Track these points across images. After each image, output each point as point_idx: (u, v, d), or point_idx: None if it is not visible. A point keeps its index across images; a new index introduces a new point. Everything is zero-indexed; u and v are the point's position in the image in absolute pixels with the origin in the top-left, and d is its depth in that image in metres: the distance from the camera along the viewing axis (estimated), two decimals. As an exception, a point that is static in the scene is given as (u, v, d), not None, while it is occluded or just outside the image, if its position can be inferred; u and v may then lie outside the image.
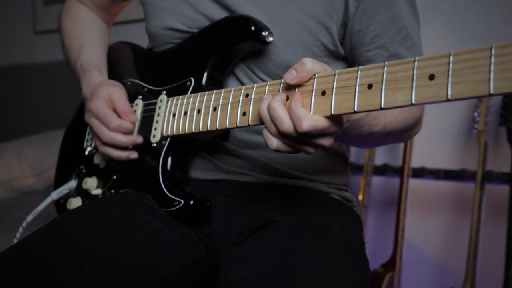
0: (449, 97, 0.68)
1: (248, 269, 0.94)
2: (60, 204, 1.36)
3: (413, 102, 0.72)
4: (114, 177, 1.24)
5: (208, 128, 1.03)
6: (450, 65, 0.68)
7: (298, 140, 0.85)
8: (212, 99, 1.03)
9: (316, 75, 0.85)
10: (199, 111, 1.06)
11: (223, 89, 1.02)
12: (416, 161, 2.26)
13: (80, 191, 1.31)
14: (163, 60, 1.25)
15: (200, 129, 1.04)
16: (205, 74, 1.14)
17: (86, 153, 1.35)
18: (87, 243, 0.97)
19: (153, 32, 1.23)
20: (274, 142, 0.86)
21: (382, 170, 2.32)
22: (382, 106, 0.76)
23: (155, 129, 1.17)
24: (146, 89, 1.25)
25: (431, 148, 2.32)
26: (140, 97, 1.25)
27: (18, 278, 0.90)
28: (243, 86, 0.97)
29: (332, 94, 0.82)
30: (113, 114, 1.17)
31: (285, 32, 1.10)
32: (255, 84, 0.95)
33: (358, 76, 0.79)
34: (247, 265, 0.95)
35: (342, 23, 1.12)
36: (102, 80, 1.26)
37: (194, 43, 1.18)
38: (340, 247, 1.00)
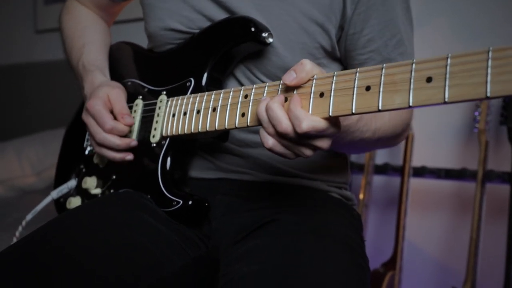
0: (446, 100, 0.68)
1: (247, 267, 0.94)
2: (60, 203, 1.36)
3: (411, 104, 0.72)
4: (114, 176, 1.24)
5: (208, 129, 1.03)
6: (448, 67, 0.68)
7: (296, 141, 0.85)
8: (212, 99, 1.03)
9: (315, 76, 0.85)
10: (198, 112, 1.06)
11: (223, 90, 1.02)
12: (417, 160, 2.26)
13: (79, 190, 1.32)
14: (163, 60, 1.25)
15: (200, 130, 1.04)
16: (205, 75, 1.14)
17: (86, 152, 1.35)
18: (87, 242, 0.97)
19: (152, 32, 1.23)
20: (270, 140, 0.87)
21: (383, 169, 2.32)
22: (380, 108, 0.76)
23: (155, 129, 1.17)
24: (146, 89, 1.25)
25: (432, 147, 2.32)
26: (140, 97, 1.25)
27: (18, 277, 0.90)
28: (242, 87, 0.97)
29: (330, 96, 0.82)
30: (109, 115, 1.17)
31: (284, 34, 1.11)
32: (254, 85, 0.95)
33: (356, 78, 0.80)
34: (247, 263, 0.95)
35: (340, 26, 1.12)
36: (103, 81, 1.27)
37: (194, 44, 1.18)
38: (340, 246, 1.00)
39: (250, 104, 0.94)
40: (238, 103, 0.97)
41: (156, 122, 1.17)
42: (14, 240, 1.33)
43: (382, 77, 0.76)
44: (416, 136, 2.25)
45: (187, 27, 1.18)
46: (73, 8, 1.46)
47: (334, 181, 1.25)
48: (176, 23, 1.18)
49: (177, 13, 1.18)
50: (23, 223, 1.32)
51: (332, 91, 0.82)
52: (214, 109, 1.02)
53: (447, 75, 0.68)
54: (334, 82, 0.82)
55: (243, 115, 0.95)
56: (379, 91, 0.76)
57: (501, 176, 2.04)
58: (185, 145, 1.17)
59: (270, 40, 1.07)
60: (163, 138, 1.15)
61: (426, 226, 2.34)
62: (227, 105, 0.99)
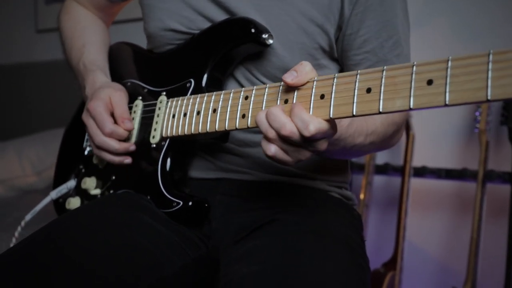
0: (447, 103, 0.68)
1: (247, 268, 0.94)
2: (59, 203, 1.36)
3: (411, 107, 0.72)
4: (113, 177, 1.24)
5: (208, 130, 1.03)
6: (448, 70, 0.68)
7: (299, 144, 0.85)
8: (212, 100, 1.03)
9: (315, 78, 0.86)
10: (198, 113, 1.06)
11: (223, 91, 1.02)
12: (418, 160, 2.26)
13: (79, 190, 1.31)
14: (163, 61, 1.25)
15: (200, 131, 1.04)
16: (205, 76, 1.13)
17: (86, 153, 1.35)
18: (87, 243, 0.97)
19: (152, 33, 1.23)
20: (272, 147, 0.86)
21: (383, 169, 2.32)
22: (381, 110, 0.76)
23: (155, 129, 1.17)
24: (146, 90, 1.25)
25: (433, 147, 2.32)
26: (140, 97, 1.25)
27: (18, 278, 0.90)
28: (243, 89, 0.97)
29: (331, 98, 0.82)
30: (109, 119, 1.17)
31: (283, 34, 1.10)
32: (255, 87, 0.95)
33: (357, 80, 0.79)
34: (247, 264, 0.95)
35: (338, 26, 1.12)
36: (105, 82, 1.27)
37: (194, 45, 1.17)
38: (340, 246, 1.00)
39: (251, 105, 0.94)
40: (238, 104, 0.97)
41: (156, 122, 1.17)
42: (14, 240, 1.33)
43: (383, 79, 0.76)
44: (416, 136, 2.25)
45: (187, 28, 1.18)
46: (72, 8, 1.46)
47: (334, 180, 1.25)
48: (176, 23, 1.18)
49: (177, 13, 1.17)
50: (22, 223, 1.31)
51: (333, 93, 0.82)
52: (214, 110, 1.02)
53: (448, 78, 0.68)
54: (334, 84, 0.82)
55: (243, 116, 0.95)
56: (380, 94, 0.76)
57: (502, 176, 2.04)
58: (185, 146, 1.17)
59: (270, 41, 1.07)
60: (163, 138, 1.15)
61: (426, 226, 2.34)
62: (228, 106, 0.99)
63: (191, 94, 1.13)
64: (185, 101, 1.11)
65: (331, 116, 0.82)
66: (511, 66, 0.62)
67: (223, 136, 1.12)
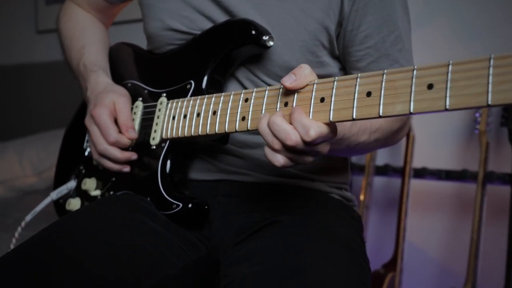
0: (447, 107, 0.68)
1: (248, 269, 0.94)
2: (59, 204, 1.36)
3: (412, 111, 0.72)
4: (113, 178, 1.24)
5: (208, 132, 1.02)
6: (449, 75, 0.68)
7: (302, 151, 0.85)
8: (212, 103, 1.03)
9: (315, 81, 0.85)
10: (198, 115, 1.06)
11: (223, 93, 1.02)
12: (418, 162, 2.26)
13: (79, 191, 1.31)
14: (163, 62, 1.25)
15: (200, 133, 1.04)
16: (205, 78, 1.13)
17: (86, 153, 1.35)
18: (87, 244, 0.97)
19: (152, 33, 1.23)
20: (281, 159, 0.85)
21: (383, 171, 2.32)
22: (381, 114, 0.76)
23: (155, 131, 1.16)
24: (146, 91, 1.25)
25: (433, 148, 2.32)
26: (140, 99, 1.25)
27: (19, 280, 0.90)
28: (243, 91, 0.97)
29: (331, 101, 0.82)
30: (114, 127, 1.18)
31: (284, 32, 1.10)
32: (255, 89, 0.95)
33: (357, 84, 0.79)
34: (248, 265, 0.95)
35: (338, 22, 1.12)
36: (109, 84, 1.26)
37: (194, 46, 1.17)
38: (340, 247, 1.00)
39: (251, 108, 0.94)
40: (238, 107, 0.97)
41: (156, 124, 1.17)
42: (14, 240, 1.33)
43: (383, 83, 0.76)
44: (416, 137, 2.25)
45: (187, 27, 1.18)
46: (71, 10, 1.46)
47: (334, 181, 1.25)
48: (176, 23, 1.18)
49: (177, 13, 1.17)
50: (22, 224, 1.32)
51: (333, 97, 0.82)
52: (214, 113, 1.01)
53: (448, 83, 0.68)
54: (334, 87, 0.82)
55: (243, 119, 0.95)
56: (380, 97, 0.76)
57: (502, 178, 2.04)
58: (185, 148, 1.17)
59: (271, 43, 1.07)
60: (163, 140, 1.15)
61: (426, 227, 2.33)
62: (228, 108, 0.99)
63: (191, 95, 1.13)
64: (185, 102, 1.11)
65: (331, 119, 0.82)
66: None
67: (223, 138, 1.12)
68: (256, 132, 1.13)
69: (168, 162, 1.14)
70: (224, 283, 0.97)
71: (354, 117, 0.79)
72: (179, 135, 1.10)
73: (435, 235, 2.33)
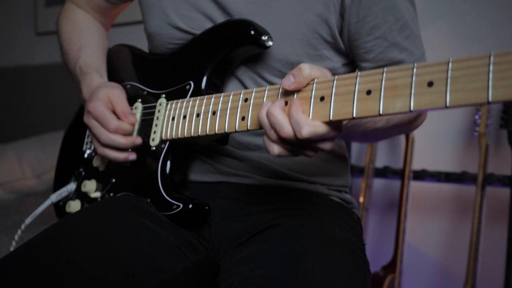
0: (448, 105, 0.68)
1: (249, 272, 0.94)
2: (59, 206, 1.36)
3: (412, 109, 0.72)
4: (113, 180, 1.24)
5: (207, 132, 1.02)
6: (449, 72, 0.68)
7: (298, 145, 0.85)
8: (211, 103, 1.03)
9: (315, 80, 0.85)
10: (198, 115, 1.05)
11: (222, 93, 1.02)
12: (417, 164, 2.26)
13: (79, 193, 1.31)
14: (162, 63, 1.24)
15: (199, 133, 1.04)
16: (205, 78, 1.13)
17: (85, 155, 1.34)
18: (86, 246, 0.96)
19: (152, 32, 1.23)
20: (276, 149, 0.86)
21: (383, 173, 2.32)
22: (381, 112, 0.76)
23: (154, 132, 1.16)
24: (145, 92, 1.24)
25: (432, 150, 2.32)
26: (140, 100, 1.24)
27: (18, 282, 0.89)
28: (242, 91, 0.97)
29: (331, 100, 0.82)
30: (112, 116, 1.17)
31: (282, 26, 1.10)
32: (254, 89, 0.95)
33: (357, 82, 0.79)
34: (249, 268, 0.95)
35: (340, 14, 1.11)
36: (101, 82, 1.26)
37: (193, 47, 1.17)
38: (341, 250, 1.00)
39: (250, 107, 0.94)
40: (238, 107, 0.96)
41: (156, 125, 1.16)
42: (14, 243, 1.32)
43: (383, 82, 0.76)
44: (416, 139, 2.25)
45: (187, 26, 1.18)
46: (71, 11, 1.46)
47: (334, 184, 1.25)
48: (176, 21, 1.18)
49: (176, 11, 1.17)
50: (22, 226, 1.31)
51: (333, 96, 0.82)
52: (214, 113, 1.01)
53: (449, 80, 0.68)
54: (334, 86, 0.82)
55: (243, 118, 0.95)
56: (380, 96, 0.76)
57: (501, 180, 2.04)
58: (184, 149, 1.17)
59: (270, 43, 1.07)
60: (162, 141, 1.15)
61: (426, 229, 2.33)
62: (227, 108, 0.99)
63: (191, 96, 1.13)
64: (184, 103, 1.11)
65: (331, 118, 0.81)
66: None
67: (223, 138, 1.11)
68: (255, 133, 1.14)
69: (168, 162, 1.14)
70: (223, 286, 0.97)
71: (354, 115, 0.79)
72: (179, 136, 1.10)
73: (434, 237, 2.33)
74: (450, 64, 0.68)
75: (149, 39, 1.28)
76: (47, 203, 1.33)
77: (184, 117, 1.09)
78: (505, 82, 0.62)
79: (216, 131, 1.00)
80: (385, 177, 2.33)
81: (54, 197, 1.33)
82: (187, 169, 1.20)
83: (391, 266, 2.14)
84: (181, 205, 1.10)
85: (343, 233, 1.07)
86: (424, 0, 2.28)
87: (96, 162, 1.30)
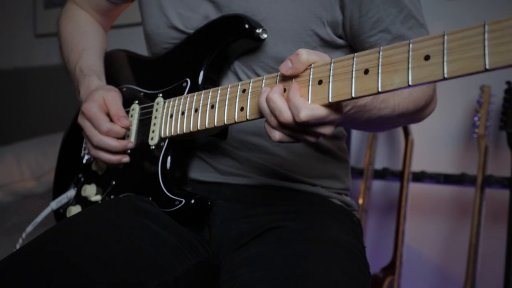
0: (446, 76, 0.68)
1: (250, 274, 0.94)
2: (60, 213, 1.36)
3: (410, 83, 0.72)
4: (113, 182, 1.24)
5: (207, 126, 1.02)
6: (445, 44, 0.68)
7: (298, 130, 0.85)
8: (209, 97, 1.03)
9: (312, 65, 0.85)
10: (196, 110, 1.05)
11: (220, 87, 1.01)
12: (416, 165, 2.26)
13: (79, 199, 1.31)
14: (158, 64, 1.25)
15: (199, 128, 1.04)
16: (201, 74, 1.13)
17: (84, 161, 1.34)
18: (87, 248, 0.96)
19: (149, 31, 1.23)
20: (277, 134, 0.86)
21: (382, 174, 2.32)
22: (379, 89, 0.76)
23: (153, 131, 1.16)
24: (142, 93, 1.25)
25: (431, 152, 2.32)
26: (137, 101, 1.24)
27: (19, 283, 0.88)
28: (240, 82, 0.97)
29: (329, 82, 0.82)
30: (105, 118, 1.17)
31: (275, 23, 1.10)
32: (252, 79, 0.95)
33: (354, 63, 0.79)
34: (250, 270, 0.95)
35: (339, 10, 1.11)
36: (99, 85, 1.26)
37: (188, 45, 1.18)
38: (342, 252, 1.00)
39: (249, 97, 0.94)
40: (236, 97, 0.96)
41: (154, 124, 1.16)
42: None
43: (380, 59, 0.76)
44: (415, 141, 2.25)
45: (183, 25, 1.18)
46: (72, 11, 1.47)
47: (335, 187, 1.25)
48: (172, 20, 1.19)
49: (174, 11, 1.18)
50: (23, 235, 1.31)
51: (331, 77, 0.82)
52: (212, 106, 1.01)
53: (445, 51, 0.68)
54: (332, 68, 0.82)
55: (242, 109, 0.95)
56: (378, 73, 0.76)
57: (501, 181, 2.04)
58: (184, 146, 1.17)
59: (264, 36, 1.07)
60: (161, 139, 1.15)
61: (425, 231, 2.33)
62: (225, 100, 0.98)
63: (188, 93, 1.13)
64: (182, 100, 1.11)
65: (330, 100, 0.81)
66: (507, 34, 0.63)
67: (222, 132, 1.12)
68: (254, 133, 1.14)
69: (169, 159, 1.14)
70: (224, 287, 0.97)
71: (353, 95, 0.79)
72: (178, 132, 1.09)
73: (433, 239, 2.33)
74: (445, 37, 0.69)
75: (147, 39, 1.28)
76: (47, 210, 1.33)
77: (183, 113, 1.09)
78: (501, 48, 0.63)
79: (216, 124, 1.00)
80: (384, 178, 2.33)
81: (54, 205, 1.33)
82: (187, 166, 1.20)
83: (390, 268, 2.14)
84: (183, 201, 1.09)
85: (344, 235, 1.07)
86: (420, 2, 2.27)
87: (95, 166, 1.30)
